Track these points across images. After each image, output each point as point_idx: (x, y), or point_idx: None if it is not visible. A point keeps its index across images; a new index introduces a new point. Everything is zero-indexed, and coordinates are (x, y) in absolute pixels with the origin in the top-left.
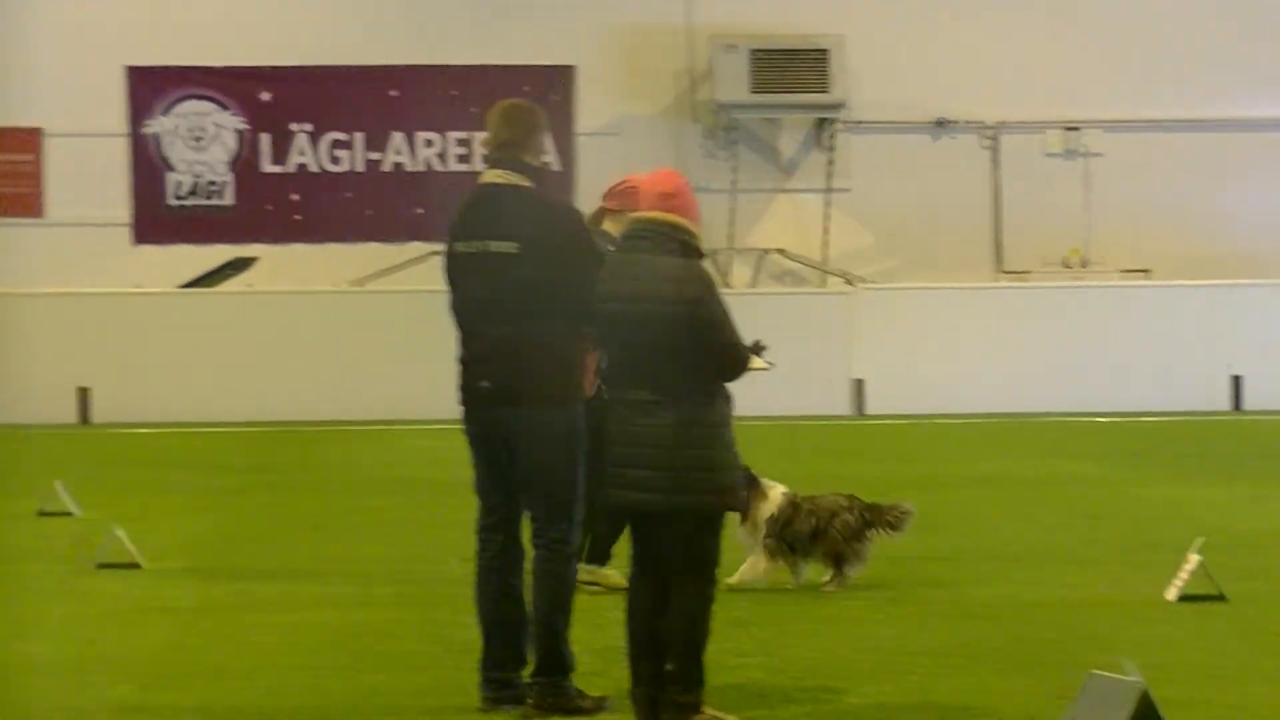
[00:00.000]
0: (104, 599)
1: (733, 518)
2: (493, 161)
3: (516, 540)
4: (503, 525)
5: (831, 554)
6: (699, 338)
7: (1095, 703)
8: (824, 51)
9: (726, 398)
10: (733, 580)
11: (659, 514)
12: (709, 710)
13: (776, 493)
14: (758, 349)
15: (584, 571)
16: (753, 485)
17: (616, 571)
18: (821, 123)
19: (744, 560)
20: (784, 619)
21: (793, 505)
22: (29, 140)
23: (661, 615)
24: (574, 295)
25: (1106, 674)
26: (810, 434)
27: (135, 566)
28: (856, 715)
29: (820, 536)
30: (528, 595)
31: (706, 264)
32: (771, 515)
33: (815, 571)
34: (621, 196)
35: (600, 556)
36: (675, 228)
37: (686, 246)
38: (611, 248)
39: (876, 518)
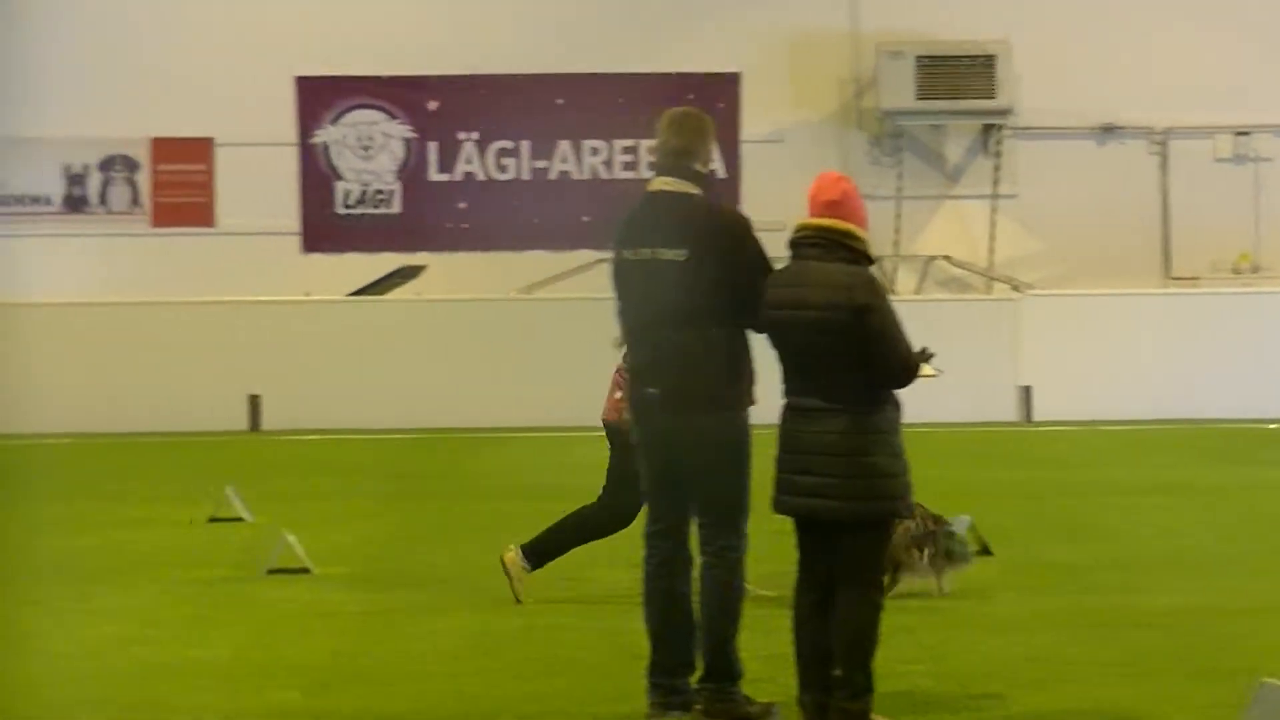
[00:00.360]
0: (273, 604)
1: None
2: (662, 169)
3: (684, 546)
4: (670, 532)
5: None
6: (868, 344)
7: (1268, 712)
8: (991, 57)
9: (895, 404)
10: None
11: (827, 521)
12: (876, 717)
13: None
14: (925, 356)
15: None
16: None
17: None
18: (988, 129)
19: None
20: (950, 626)
21: None
22: (200, 150)
23: (828, 622)
24: (742, 302)
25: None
26: (978, 441)
27: (305, 572)
28: None
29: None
30: (695, 602)
31: (874, 270)
32: None
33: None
34: None
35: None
36: (844, 234)
37: (855, 252)
38: None
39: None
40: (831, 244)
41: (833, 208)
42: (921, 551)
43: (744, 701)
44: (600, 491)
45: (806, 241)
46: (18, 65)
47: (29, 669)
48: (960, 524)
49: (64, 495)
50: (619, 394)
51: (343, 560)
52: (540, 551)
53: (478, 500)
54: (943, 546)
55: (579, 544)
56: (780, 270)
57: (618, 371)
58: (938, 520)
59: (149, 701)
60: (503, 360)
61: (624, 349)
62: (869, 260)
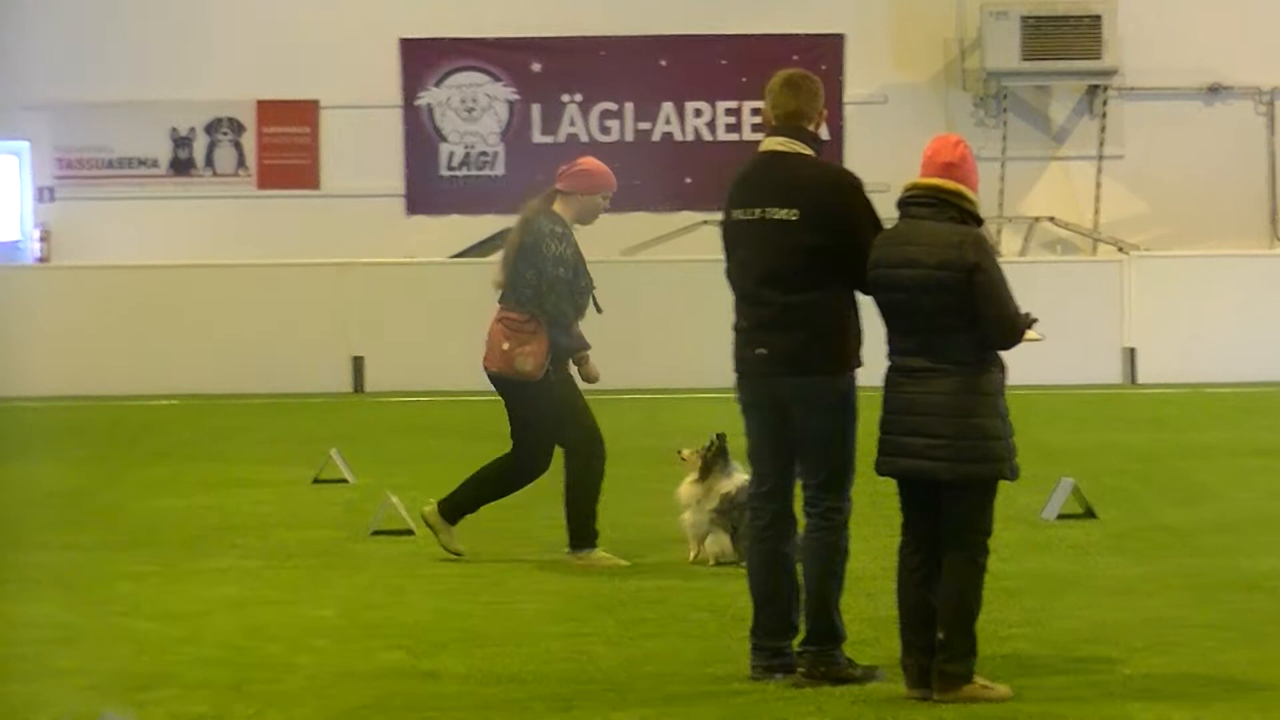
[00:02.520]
0: (378, 565)
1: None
2: (774, 129)
3: (789, 509)
4: (775, 494)
5: None
6: (976, 304)
7: None
8: (1096, 17)
9: (1001, 366)
10: (700, 558)
11: (931, 482)
12: (979, 680)
13: (740, 476)
14: (1029, 321)
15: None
16: (723, 456)
17: (607, 553)
18: (1093, 89)
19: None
20: (1054, 589)
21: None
22: (305, 113)
23: (932, 585)
24: (851, 262)
25: None
26: (1082, 403)
27: (409, 533)
28: (1127, 687)
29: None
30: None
31: (983, 231)
32: (728, 493)
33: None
34: (573, 178)
35: (587, 538)
36: (955, 194)
37: (965, 213)
38: (560, 229)
39: None
40: (942, 203)
41: (949, 170)
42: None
43: (846, 664)
44: (511, 444)
45: (917, 200)
46: (124, 30)
47: (143, 629)
48: (1065, 487)
49: (173, 457)
50: (505, 345)
51: None
52: (456, 506)
53: None
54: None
55: (493, 498)
56: (889, 229)
57: (499, 320)
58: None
59: (261, 661)
60: (606, 323)
61: (500, 293)
62: (978, 222)
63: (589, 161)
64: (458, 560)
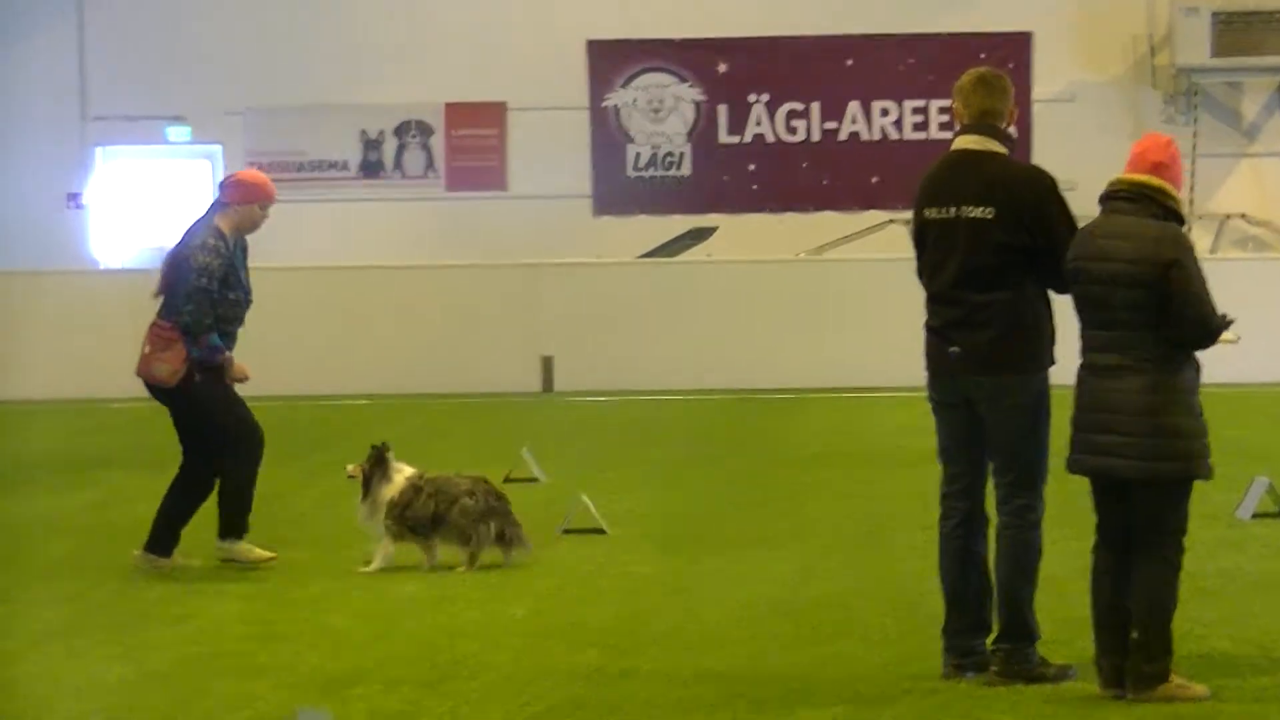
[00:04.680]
0: (569, 565)
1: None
2: (967, 128)
3: (980, 507)
4: (967, 492)
5: (459, 537)
6: (1172, 301)
7: None
8: None
9: (1195, 365)
10: (369, 569)
11: (1125, 481)
12: (1176, 679)
13: (401, 476)
14: (1225, 323)
15: (221, 550)
16: (381, 465)
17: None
18: None
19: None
20: (1252, 589)
21: (414, 489)
22: (494, 115)
23: (1126, 584)
24: (1045, 261)
25: None
26: (1276, 401)
27: (600, 533)
28: None
29: (440, 520)
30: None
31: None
32: (392, 499)
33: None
34: (228, 189)
35: (236, 530)
36: (1159, 190)
37: (1168, 211)
38: (215, 242)
39: (502, 505)
40: (1145, 199)
41: (1158, 169)
42: (489, 525)
43: (1039, 663)
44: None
45: (1119, 195)
46: (315, 35)
47: (340, 627)
48: (1260, 485)
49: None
50: (148, 349)
51: (637, 522)
52: (158, 541)
53: (769, 463)
54: (503, 524)
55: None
56: (1090, 223)
57: (154, 326)
58: (499, 498)
59: (456, 659)
60: (793, 322)
61: (160, 299)
62: (1180, 220)
63: (246, 174)
64: (646, 561)
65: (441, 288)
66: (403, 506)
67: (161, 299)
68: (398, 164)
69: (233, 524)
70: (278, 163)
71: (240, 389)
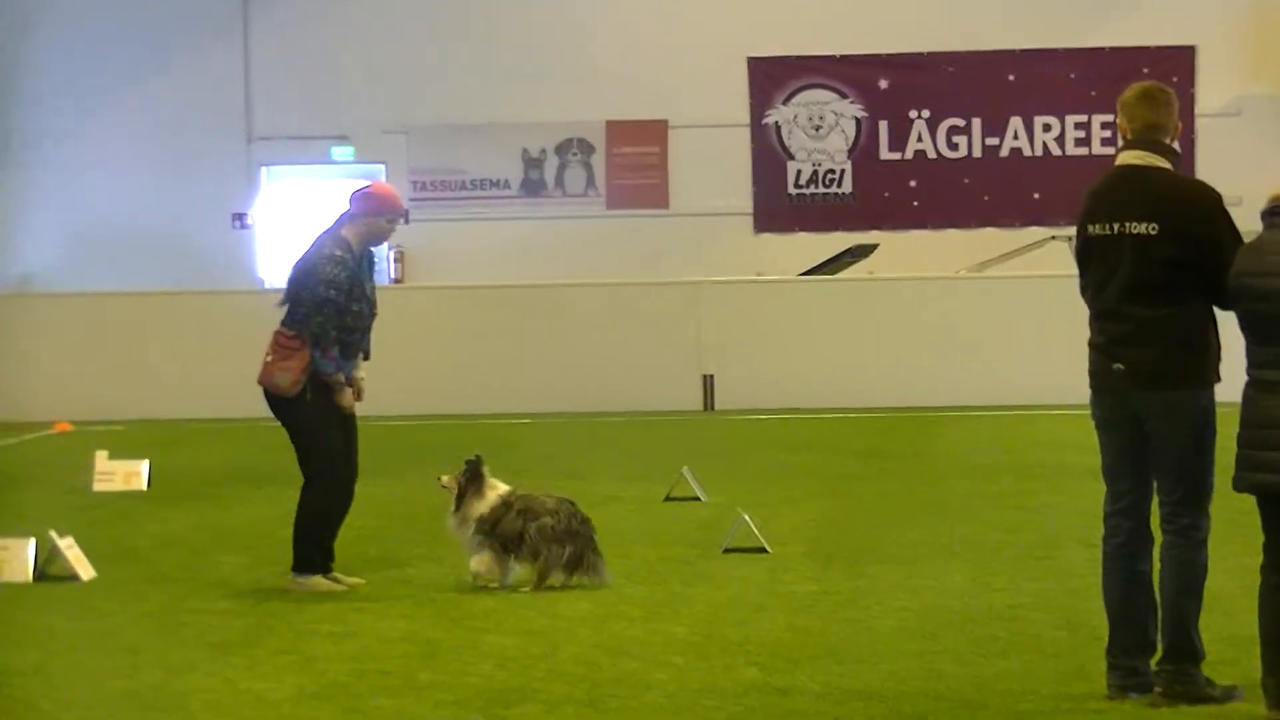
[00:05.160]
0: (731, 582)
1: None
2: (1131, 143)
3: (1145, 526)
4: (1131, 511)
5: (530, 555)
6: None
7: None
8: None
9: None
10: (488, 584)
11: None
12: None
13: (494, 493)
14: None
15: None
16: (475, 479)
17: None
18: None
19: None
20: None
21: (505, 505)
22: (656, 132)
23: None
24: (1210, 277)
25: None
26: None
27: (762, 551)
28: None
29: (521, 538)
30: (1156, 582)
31: None
32: (482, 514)
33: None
34: (356, 201)
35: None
36: None
37: None
38: (341, 253)
39: (586, 530)
40: None
41: None
42: (563, 548)
43: (1205, 684)
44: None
45: None
46: (476, 54)
47: (503, 645)
48: None
49: (529, 474)
50: (270, 357)
51: (799, 540)
52: (305, 560)
53: (929, 479)
54: (582, 549)
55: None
56: (1254, 239)
57: (277, 334)
58: (584, 522)
59: (618, 677)
60: (954, 339)
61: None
62: None
63: (376, 186)
64: (808, 577)
65: (602, 306)
66: (493, 522)
67: (286, 307)
68: (559, 182)
69: (301, 556)
70: (439, 181)
71: (408, 406)
